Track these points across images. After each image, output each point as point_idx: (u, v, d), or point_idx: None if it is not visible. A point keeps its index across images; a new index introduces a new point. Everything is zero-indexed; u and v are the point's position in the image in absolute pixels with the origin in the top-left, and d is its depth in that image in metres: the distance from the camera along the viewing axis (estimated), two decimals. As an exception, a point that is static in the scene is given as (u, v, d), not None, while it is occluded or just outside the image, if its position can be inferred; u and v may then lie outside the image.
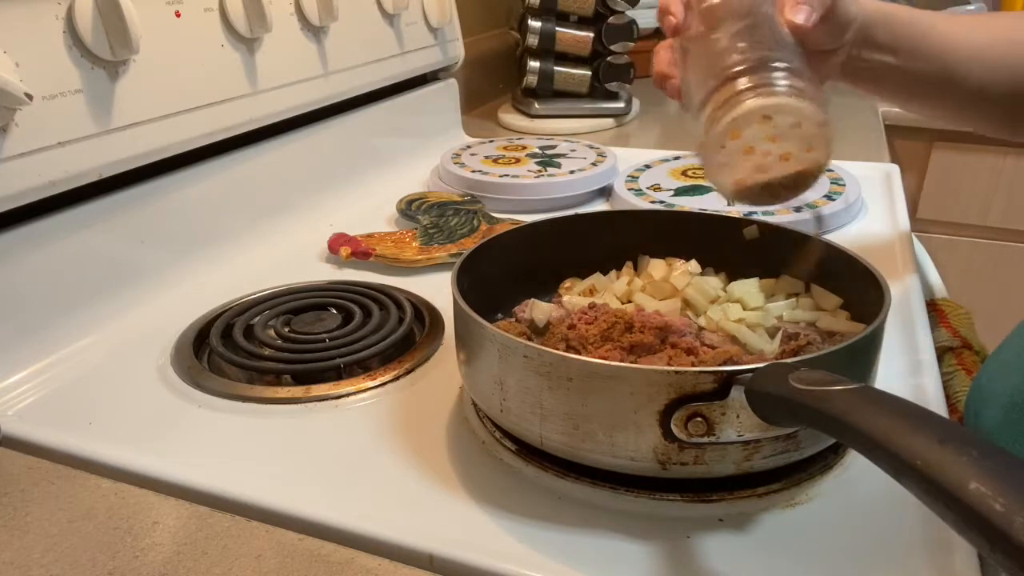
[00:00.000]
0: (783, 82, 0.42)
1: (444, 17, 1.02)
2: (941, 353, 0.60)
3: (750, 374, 0.36)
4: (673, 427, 0.37)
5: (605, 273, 0.59)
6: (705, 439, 0.37)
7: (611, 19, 1.21)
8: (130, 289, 0.62)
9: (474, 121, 1.28)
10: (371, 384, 0.52)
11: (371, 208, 0.86)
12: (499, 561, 0.37)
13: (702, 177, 0.87)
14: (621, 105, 1.26)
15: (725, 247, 0.56)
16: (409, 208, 0.83)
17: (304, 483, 0.43)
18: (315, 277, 0.69)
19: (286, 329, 0.59)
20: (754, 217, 0.63)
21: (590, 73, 1.24)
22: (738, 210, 0.77)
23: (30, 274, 0.55)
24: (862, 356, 0.41)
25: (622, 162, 0.93)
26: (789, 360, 0.36)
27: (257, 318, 0.60)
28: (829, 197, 0.79)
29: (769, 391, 0.34)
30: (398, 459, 0.45)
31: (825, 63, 0.53)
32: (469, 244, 0.73)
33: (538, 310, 0.53)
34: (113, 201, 0.61)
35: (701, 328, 0.50)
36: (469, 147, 1.00)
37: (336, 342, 0.56)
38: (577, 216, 0.60)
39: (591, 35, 1.22)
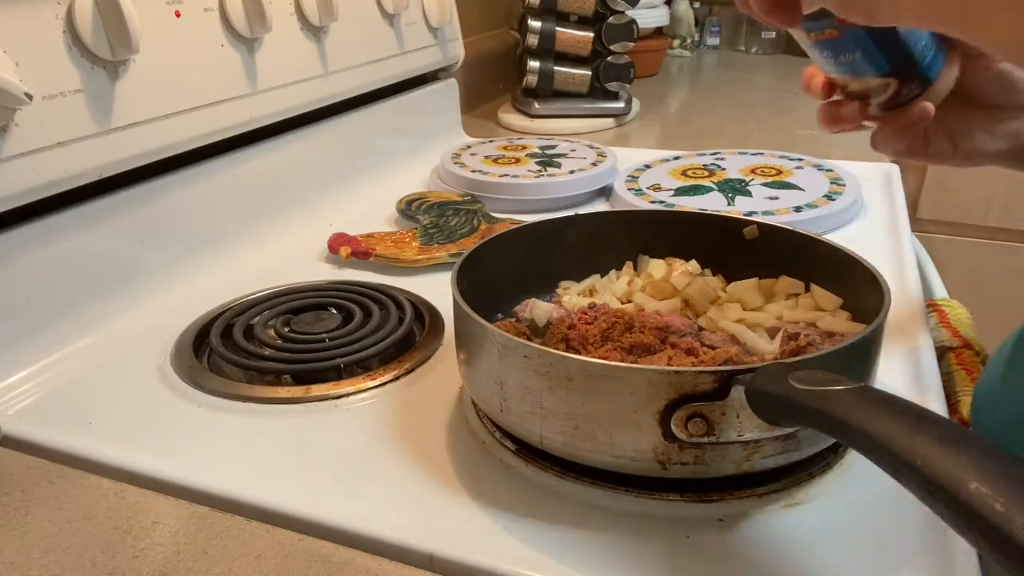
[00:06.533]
0: None
1: (444, 17, 1.02)
2: (941, 353, 0.60)
3: (750, 374, 0.36)
4: (673, 427, 0.37)
5: (605, 273, 0.59)
6: (705, 439, 0.37)
7: (611, 19, 1.21)
8: (130, 289, 0.62)
9: (474, 121, 1.28)
10: (371, 384, 0.52)
11: (371, 208, 0.86)
12: (499, 561, 0.37)
13: (702, 177, 0.87)
14: (621, 105, 1.26)
15: (725, 247, 0.56)
16: (409, 208, 0.83)
17: (304, 483, 0.43)
18: (315, 277, 0.69)
19: (286, 329, 0.59)
20: (754, 217, 0.63)
21: (590, 73, 1.24)
22: (738, 210, 0.77)
23: (30, 274, 0.55)
24: (862, 356, 0.41)
25: (622, 162, 0.93)
26: (789, 360, 0.36)
27: (257, 318, 0.60)
28: (829, 197, 0.79)
29: (769, 391, 0.34)
30: (398, 459, 0.45)
31: (1000, 125, 0.49)
32: (469, 244, 0.73)
33: (538, 310, 0.53)
34: (113, 201, 0.61)
35: (701, 328, 0.51)
36: (469, 147, 1.00)
37: (336, 342, 0.56)
38: (577, 216, 0.60)
39: (591, 35, 1.22)
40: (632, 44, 1.23)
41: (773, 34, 1.90)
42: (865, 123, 0.50)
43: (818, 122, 0.51)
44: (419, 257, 0.71)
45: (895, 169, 0.93)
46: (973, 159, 0.51)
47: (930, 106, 0.46)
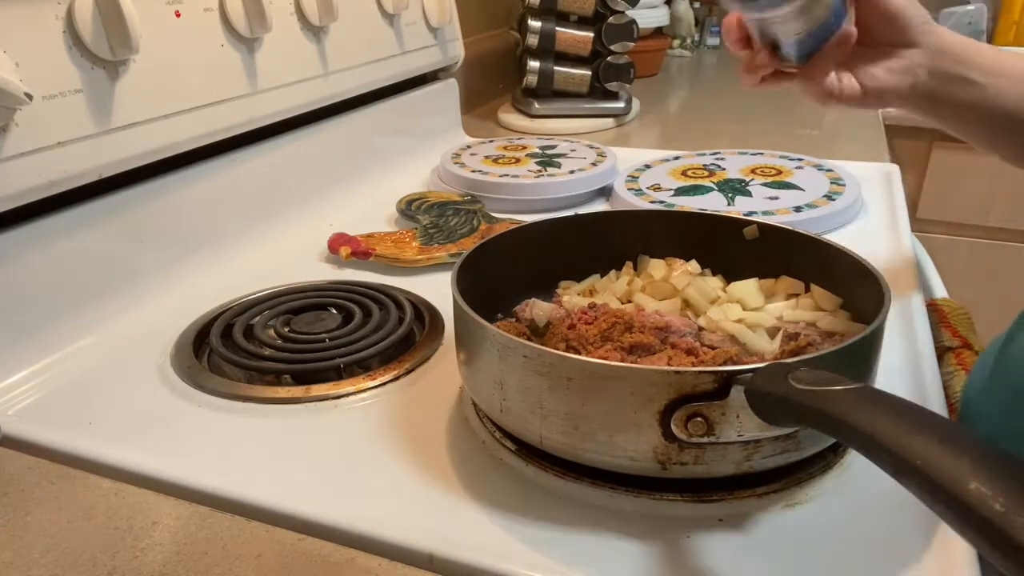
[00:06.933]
0: None
1: (444, 17, 1.02)
2: (941, 353, 0.60)
3: (750, 374, 0.36)
4: (673, 427, 0.37)
5: (604, 273, 0.59)
6: (705, 439, 0.37)
7: (611, 19, 1.21)
8: (130, 289, 0.62)
9: (474, 121, 1.28)
10: (371, 384, 0.52)
11: (371, 208, 0.86)
12: (499, 561, 0.37)
13: (702, 177, 0.87)
14: (621, 105, 1.26)
15: (725, 247, 0.56)
16: (409, 208, 0.83)
17: (304, 483, 0.43)
18: (315, 277, 0.69)
19: (286, 329, 0.59)
20: (754, 217, 0.63)
21: (590, 73, 1.24)
22: (738, 210, 0.77)
23: (30, 274, 0.55)
24: (862, 356, 0.41)
25: (622, 162, 0.93)
26: (789, 360, 0.36)
27: (257, 318, 0.60)
28: (829, 197, 0.79)
29: (769, 391, 0.34)
30: (398, 459, 0.45)
31: (892, 61, 0.54)
32: (469, 244, 0.73)
33: (538, 310, 0.53)
34: (113, 201, 0.61)
35: (701, 328, 0.50)
36: (469, 147, 1.00)
37: (336, 342, 0.56)
38: (577, 216, 0.60)
39: (591, 35, 1.22)
40: (632, 44, 1.23)
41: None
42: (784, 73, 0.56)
43: (742, 74, 0.57)
44: (419, 257, 0.71)
45: (895, 169, 0.93)
46: (882, 98, 0.56)
47: (854, 29, 0.52)
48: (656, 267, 0.57)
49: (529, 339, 0.47)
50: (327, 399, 0.51)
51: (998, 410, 0.52)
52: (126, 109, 0.59)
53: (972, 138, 0.60)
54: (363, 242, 0.73)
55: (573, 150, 0.97)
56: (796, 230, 0.54)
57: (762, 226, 0.55)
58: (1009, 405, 0.51)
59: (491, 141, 1.03)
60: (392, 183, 0.92)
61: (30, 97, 0.50)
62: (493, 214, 0.81)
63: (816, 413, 0.32)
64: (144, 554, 0.38)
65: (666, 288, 0.54)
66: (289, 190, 0.80)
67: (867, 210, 0.81)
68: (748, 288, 0.53)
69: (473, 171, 0.90)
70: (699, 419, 0.36)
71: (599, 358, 0.45)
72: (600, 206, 0.88)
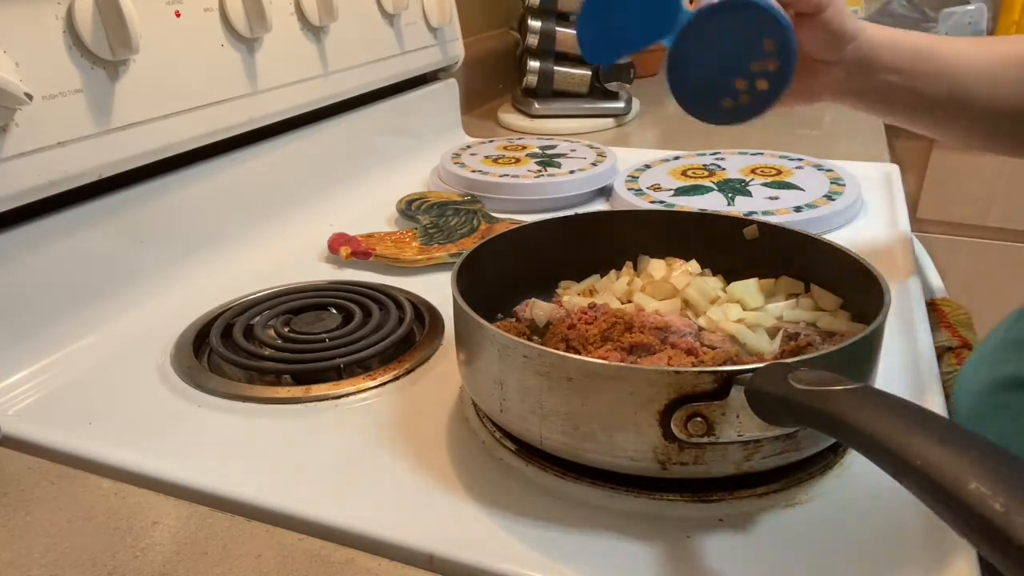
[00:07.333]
0: None
1: (444, 17, 1.02)
2: (941, 353, 0.60)
3: (750, 374, 0.36)
4: (673, 427, 0.37)
5: (604, 273, 0.59)
6: (705, 439, 0.37)
7: (611, 19, 1.20)
8: (130, 289, 0.62)
9: (474, 121, 1.28)
10: (371, 384, 0.52)
11: (371, 208, 0.86)
12: (499, 561, 0.37)
13: (702, 177, 0.87)
14: (621, 105, 1.26)
15: (725, 247, 0.56)
16: (409, 208, 0.83)
17: (304, 483, 0.43)
18: (315, 277, 0.69)
19: (286, 329, 0.59)
20: (754, 217, 0.63)
21: (590, 73, 1.24)
22: (738, 210, 0.77)
23: (30, 274, 0.55)
24: (862, 356, 0.41)
25: (622, 162, 0.93)
26: (789, 360, 0.36)
27: (257, 318, 0.60)
28: (829, 197, 0.79)
29: (769, 391, 0.34)
30: (398, 459, 0.45)
31: (823, 76, 0.57)
32: (469, 244, 0.73)
33: (538, 310, 0.53)
34: (113, 201, 0.61)
35: (701, 328, 0.50)
36: (469, 147, 1.00)
37: (336, 342, 0.56)
38: (577, 216, 0.60)
39: (591, 35, 1.22)
40: (632, 44, 1.23)
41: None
42: None
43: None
44: (419, 257, 0.71)
45: (895, 169, 0.93)
46: (793, 107, 0.60)
47: None
48: (656, 267, 0.57)
49: (529, 339, 0.47)
50: (327, 399, 0.51)
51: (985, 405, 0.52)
52: (126, 109, 0.59)
53: (930, 132, 0.62)
54: (363, 242, 0.73)
55: (573, 150, 0.97)
56: (796, 230, 0.54)
57: (762, 226, 0.55)
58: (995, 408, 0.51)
59: (491, 141, 1.03)
60: (392, 183, 0.92)
61: (30, 97, 0.50)
62: (493, 214, 0.81)
63: (816, 413, 0.32)
64: (144, 554, 0.38)
65: (666, 288, 0.54)
66: (289, 190, 0.80)
67: (867, 210, 0.81)
68: (748, 288, 0.53)
69: (473, 171, 0.90)
70: (699, 419, 0.36)
71: (599, 358, 0.45)
72: (600, 206, 0.88)
